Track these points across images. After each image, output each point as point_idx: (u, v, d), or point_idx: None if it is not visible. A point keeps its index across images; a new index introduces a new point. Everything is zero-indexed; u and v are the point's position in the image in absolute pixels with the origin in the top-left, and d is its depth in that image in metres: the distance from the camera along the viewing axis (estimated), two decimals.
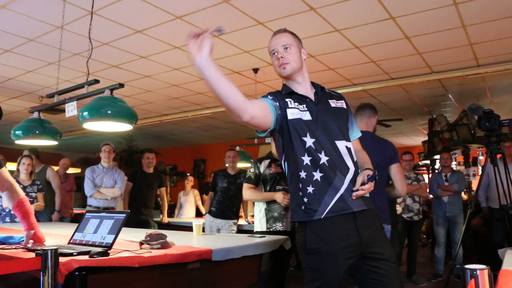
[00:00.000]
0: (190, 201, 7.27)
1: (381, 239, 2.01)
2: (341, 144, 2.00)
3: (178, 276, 2.34)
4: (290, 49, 2.04)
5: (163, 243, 2.46)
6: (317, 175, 1.94)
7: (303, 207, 1.95)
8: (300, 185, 1.96)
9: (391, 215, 3.30)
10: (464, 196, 7.12)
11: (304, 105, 2.03)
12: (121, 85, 3.22)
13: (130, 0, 3.74)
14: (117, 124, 3.22)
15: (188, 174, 9.11)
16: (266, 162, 3.70)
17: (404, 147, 11.52)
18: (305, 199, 1.94)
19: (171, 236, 2.72)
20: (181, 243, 2.65)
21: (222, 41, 4.63)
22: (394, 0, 3.77)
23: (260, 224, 3.67)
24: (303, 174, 1.95)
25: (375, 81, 6.19)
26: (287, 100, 2.01)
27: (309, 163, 1.95)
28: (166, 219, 6.20)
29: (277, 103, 1.97)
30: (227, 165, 5.69)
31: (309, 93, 2.09)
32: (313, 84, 2.15)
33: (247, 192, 3.72)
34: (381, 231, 2.04)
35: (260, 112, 1.89)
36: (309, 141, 1.96)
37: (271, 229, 3.56)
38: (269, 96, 2.00)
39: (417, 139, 11.15)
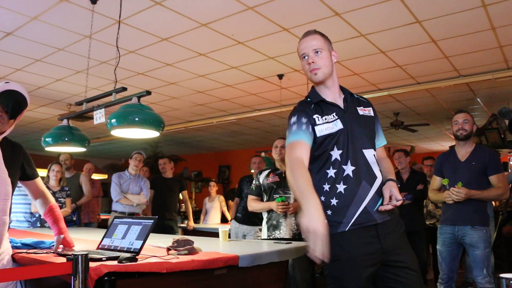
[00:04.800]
0: (215, 207, 7.28)
1: (403, 247, 1.97)
2: (369, 153, 1.99)
3: (205, 282, 2.34)
4: (321, 53, 1.99)
5: (190, 249, 2.46)
6: (341, 188, 1.92)
7: (327, 220, 1.94)
8: (323, 198, 1.94)
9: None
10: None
11: (334, 114, 2.00)
12: (148, 93, 3.26)
13: (156, 9, 3.80)
14: (145, 131, 3.25)
15: (211, 178, 9.13)
16: (265, 172, 3.80)
17: (431, 152, 11.30)
18: (329, 212, 1.93)
19: (198, 242, 2.73)
20: (207, 249, 2.66)
21: (247, 47, 4.65)
22: (420, 4, 3.73)
23: (264, 232, 3.77)
24: (326, 187, 1.94)
25: (401, 85, 6.11)
26: (314, 116, 1.98)
27: (333, 175, 1.94)
28: (192, 224, 6.23)
29: (309, 127, 1.95)
30: (252, 171, 5.70)
31: (337, 98, 2.06)
32: (342, 88, 2.12)
33: (250, 203, 3.86)
34: (403, 238, 2.00)
35: (307, 155, 1.92)
36: (335, 153, 1.94)
37: (271, 237, 3.63)
38: (303, 119, 1.96)
39: (444, 144, 10.93)
